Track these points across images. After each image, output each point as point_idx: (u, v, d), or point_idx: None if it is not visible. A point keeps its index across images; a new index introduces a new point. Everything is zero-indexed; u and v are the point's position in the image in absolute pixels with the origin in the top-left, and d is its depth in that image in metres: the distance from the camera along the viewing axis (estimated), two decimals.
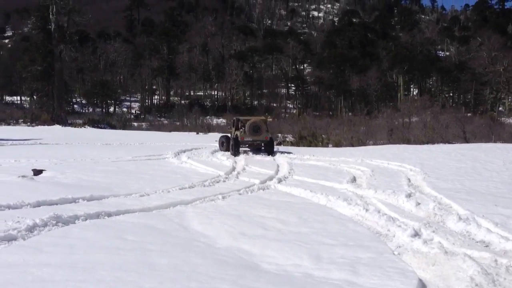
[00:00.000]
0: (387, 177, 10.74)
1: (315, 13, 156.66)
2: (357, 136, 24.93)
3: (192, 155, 16.11)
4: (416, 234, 5.67)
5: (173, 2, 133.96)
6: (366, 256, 4.89)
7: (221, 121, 59.94)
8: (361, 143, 23.71)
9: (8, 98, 77.66)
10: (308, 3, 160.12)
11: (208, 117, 61.95)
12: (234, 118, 19.61)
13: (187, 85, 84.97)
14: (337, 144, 24.16)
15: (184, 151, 17.66)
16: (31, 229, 5.13)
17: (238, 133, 17.68)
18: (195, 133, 40.75)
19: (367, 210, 7.04)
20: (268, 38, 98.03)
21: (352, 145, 23.12)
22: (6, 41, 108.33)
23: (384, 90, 69.28)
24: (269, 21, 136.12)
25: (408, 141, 22.49)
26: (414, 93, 74.47)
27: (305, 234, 5.83)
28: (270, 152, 17.35)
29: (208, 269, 4.20)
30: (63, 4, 44.55)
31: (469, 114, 44.47)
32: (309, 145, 24.56)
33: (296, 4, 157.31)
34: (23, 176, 9.32)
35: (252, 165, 13.43)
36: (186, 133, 40.24)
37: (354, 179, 10.63)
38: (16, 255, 4.16)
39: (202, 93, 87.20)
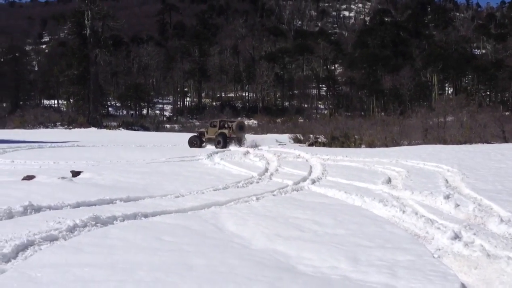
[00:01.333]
0: (424, 178, 10.51)
1: (346, 13, 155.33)
2: (391, 136, 24.50)
3: (225, 156, 16.18)
4: (456, 237, 5.51)
5: (204, 5, 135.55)
6: (405, 258, 4.79)
7: (253, 122, 60.09)
8: (395, 143, 23.31)
9: (46, 102, 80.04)
10: (339, 3, 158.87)
11: (239, 118, 62.22)
12: (218, 120, 24.04)
13: (218, 87, 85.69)
14: (371, 145, 23.83)
15: (217, 153, 17.77)
16: (71, 229, 5.24)
17: (226, 131, 22.14)
18: None
19: (404, 211, 6.90)
20: (298, 39, 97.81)
21: (386, 146, 22.76)
22: (44, 46, 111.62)
23: (418, 89, 68.06)
24: (300, 22, 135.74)
25: (444, 141, 21.98)
26: (449, 92, 72.84)
27: (341, 236, 5.76)
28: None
29: (245, 271, 4.20)
30: (98, 10, 45.60)
31: (507, 113, 43.17)
32: (342, 145, 24.32)
33: (326, 4, 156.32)
34: (63, 178, 9.57)
35: (285, 166, 13.38)
36: None
37: (389, 180, 10.45)
38: (58, 255, 4.25)
39: (233, 95, 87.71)
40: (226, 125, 22.68)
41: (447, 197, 7.72)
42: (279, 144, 24.74)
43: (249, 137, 24.48)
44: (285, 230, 6.02)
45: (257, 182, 10.46)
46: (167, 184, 9.73)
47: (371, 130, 27.25)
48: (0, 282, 3.51)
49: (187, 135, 36.14)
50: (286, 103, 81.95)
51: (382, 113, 56.49)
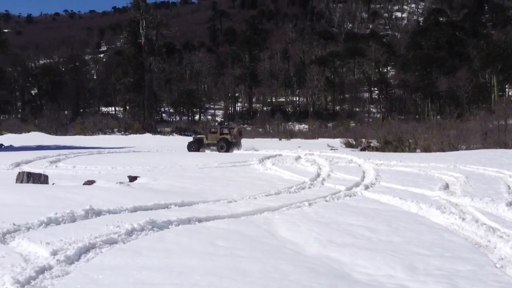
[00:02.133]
0: (484, 184, 10.09)
1: (399, 14, 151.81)
2: (448, 140, 23.70)
3: (276, 162, 16.19)
4: None
5: (254, 11, 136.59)
6: (466, 268, 4.62)
7: (303, 127, 59.88)
8: (452, 147, 22.53)
9: (104, 109, 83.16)
10: (391, 4, 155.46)
11: (290, 123, 62.23)
12: (218, 127, 26.53)
13: (269, 92, 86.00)
14: (426, 149, 23.16)
15: (268, 158, 17.81)
16: (129, 233, 5.41)
17: (228, 137, 24.35)
18: (278, 139, 41.06)
19: (463, 219, 6.66)
20: (349, 42, 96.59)
21: (443, 150, 22.03)
22: (101, 55, 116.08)
23: (476, 91, 65.42)
24: (350, 25, 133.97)
25: (505, 145, 21.02)
26: (510, 94, 69.55)
27: (397, 244, 5.63)
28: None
29: (299, 277, 4.19)
30: (151, 19, 46.98)
31: None
32: (395, 150, 23.77)
33: (378, 6, 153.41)
34: (121, 183, 9.91)
35: (337, 171, 13.23)
36: (269, 139, 40.64)
37: (446, 186, 10.11)
38: (118, 257, 4.41)
39: (283, 99, 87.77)
40: (225, 131, 24.89)
41: (509, 204, 7.38)
42: (331, 149, 24.50)
43: (247, 142, 26.87)
44: (338, 236, 5.96)
45: (309, 188, 10.40)
46: (220, 189, 9.86)
47: (426, 134, 26.48)
48: (65, 283, 3.67)
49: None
50: (337, 107, 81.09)
51: (438, 116, 54.76)
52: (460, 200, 8.31)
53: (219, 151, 23.51)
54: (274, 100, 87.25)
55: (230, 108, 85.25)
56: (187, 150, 24.25)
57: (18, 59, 77.14)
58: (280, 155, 19.60)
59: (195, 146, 24.60)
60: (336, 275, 4.42)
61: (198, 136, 26.68)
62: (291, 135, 46.32)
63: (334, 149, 24.45)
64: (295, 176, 12.29)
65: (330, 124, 61.52)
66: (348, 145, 28.79)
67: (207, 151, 24.07)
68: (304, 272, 4.38)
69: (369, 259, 4.94)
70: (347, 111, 75.35)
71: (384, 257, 5.02)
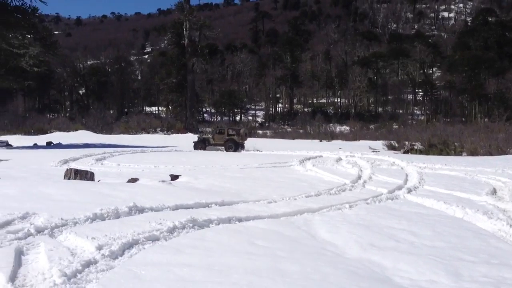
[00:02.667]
0: None
1: (445, 14, 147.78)
2: (496, 144, 22.87)
3: (317, 163, 16.09)
4: None
5: (296, 12, 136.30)
6: None
7: (345, 128, 59.22)
8: (501, 151, 21.73)
9: (147, 109, 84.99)
10: (437, 4, 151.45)
11: (331, 124, 61.66)
12: (226, 128, 28.13)
13: (310, 93, 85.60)
14: (473, 153, 22.44)
15: (309, 159, 17.73)
16: (171, 230, 5.50)
17: (235, 137, 25.99)
18: (318, 140, 40.78)
19: (511, 225, 6.41)
20: (393, 42, 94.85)
21: (490, 154, 21.29)
22: (146, 56, 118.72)
23: None
24: (395, 25, 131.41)
25: None
26: None
27: (441, 249, 5.49)
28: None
29: (339, 279, 4.15)
30: (195, 21, 47.65)
31: None
32: (440, 153, 23.16)
33: (424, 5, 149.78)
34: (163, 181, 10.10)
35: (379, 173, 13.01)
36: (309, 140, 40.43)
37: (494, 191, 9.76)
38: (159, 254, 4.49)
39: (325, 101, 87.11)
40: (231, 133, 26.65)
41: None
42: (372, 151, 24.14)
43: (249, 142, 28.52)
44: (380, 240, 5.86)
45: (350, 190, 10.28)
46: (260, 189, 9.89)
47: (473, 137, 25.67)
48: (109, 277, 3.78)
49: (279, 141, 36.53)
50: (380, 109, 79.74)
51: (486, 119, 52.96)
52: (509, 206, 8.01)
53: (227, 151, 24.78)
54: (315, 101, 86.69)
55: (270, 109, 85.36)
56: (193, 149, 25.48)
57: (68, 60, 79.94)
58: (320, 156, 19.47)
59: (202, 146, 26.09)
60: (377, 279, 4.35)
61: (204, 136, 27.97)
62: (332, 136, 45.89)
63: (376, 151, 24.08)
64: (336, 177, 12.17)
65: (372, 126, 60.55)
66: (391, 148, 28.24)
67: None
68: (344, 274, 4.33)
69: (412, 264, 4.83)
70: (390, 112, 73.98)
71: (427, 262, 4.90)
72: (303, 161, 16.67)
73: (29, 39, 28.77)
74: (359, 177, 12.35)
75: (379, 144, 31.41)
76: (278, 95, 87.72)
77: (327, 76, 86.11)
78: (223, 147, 25.73)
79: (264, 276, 4.02)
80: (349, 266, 4.65)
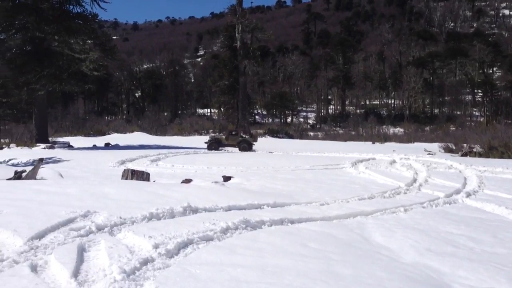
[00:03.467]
0: None
1: (506, 12, 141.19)
2: None
3: (370, 165, 15.81)
4: None
5: (349, 12, 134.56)
6: None
7: (398, 130, 57.83)
8: None
9: (200, 111, 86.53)
10: (498, 1, 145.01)
11: (384, 126, 60.41)
12: (239, 130, 30.96)
13: (363, 94, 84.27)
14: None
15: (361, 161, 17.46)
16: (224, 231, 5.58)
17: (249, 139, 28.18)
18: (371, 142, 40.04)
19: None
20: (451, 41, 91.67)
21: None
22: (199, 59, 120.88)
23: None
24: (452, 24, 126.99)
25: None
26: None
27: (503, 256, 5.26)
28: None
29: (394, 284, 4.06)
30: (247, 23, 48.01)
31: None
32: (501, 156, 22.12)
33: (483, 3, 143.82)
34: (216, 182, 10.26)
35: (435, 177, 12.61)
36: (362, 142, 39.76)
37: None
38: (213, 254, 4.57)
39: (378, 102, 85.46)
40: (245, 134, 28.95)
41: None
42: (428, 154, 23.41)
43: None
44: (437, 245, 5.69)
45: (405, 193, 10.03)
46: (312, 191, 9.84)
47: None
48: (166, 275, 3.88)
49: (330, 143, 36.17)
50: (436, 110, 77.24)
51: None
52: None
53: (241, 151, 26.70)
54: (367, 103, 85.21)
55: (322, 111, 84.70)
56: (207, 150, 26.58)
57: (125, 64, 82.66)
58: (373, 158, 19.12)
59: (215, 146, 27.46)
60: (434, 285, 4.23)
61: (216, 137, 29.34)
62: (385, 138, 44.92)
63: (432, 154, 23.32)
64: (390, 180, 11.92)
65: (427, 128, 58.78)
66: (448, 150, 27.26)
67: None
68: (400, 279, 4.24)
69: (471, 271, 4.66)
70: (447, 114, 71.55)
71: (488, 269, 4.71)
72: (356, 163, 16.44)
73: (89, 44, 30.04)
74: (414, 180, 12.03)
75: (435, 146, 30.42)
76: (329, 97, 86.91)
77: (381, 77, 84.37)
78: (237, 147, 27.59)
79: (317, 279, 4.00)
80: (405, 271, 4.54)
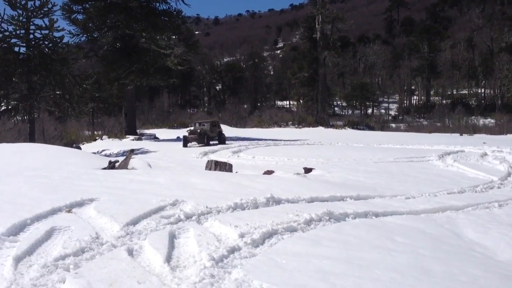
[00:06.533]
0: None
1: None
2: None
3: (458, 158, 15.04)
4: None
5: None
6: None
7: (489, 121, 54.45)
8: None
9: (279, 103, 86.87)
10: None
11: (473, 117, 57.01)
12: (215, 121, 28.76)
13: (449, 84, 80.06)
14: None
15: (449, 154, 16.66)
16: (308, 222, 5.57)
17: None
18: (459, 134, 38.03)
19: None
20: None
21: None
22: (278, 52, 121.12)
23: None
24: None
25: None
26: None
27: None
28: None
29: (490, 283, 3.84)
30: (327, 14, 47.37)
31: None
32: None
33: None
34: (297, 174, 10.27)
35: None
36: (448, 134, 37.89)
37: None
38: (298, 245, 4.58)
39: (466, 92, 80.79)
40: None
41: None
42: None
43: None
44: None
45: (499, 187, 9.44)
46: (396, 184, 9.56)
47: None
48: (253, 264, 3.95)
49: (414, 135, 34.83)
50: None
51: None
52: None
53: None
54: (454, 93, 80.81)
55: (405, 102, 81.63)
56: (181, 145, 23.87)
57: (206, 58, 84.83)
58: (462, 151, 18.18)
59: (205, 140, 23.79)
60: None
61: (200, 129, 25.00)
62: (474, 130, 42.44)
63: None
64: (481, 174, 11.27)
65: None
66: None
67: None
68: (496, 278, 4.00)
69: None
70: None
71: None
72: (443, 156, 15.74)
73: (174, 40, 31.19)
74: (509, 174, 11.28)
75: None
76: (413, 87, 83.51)
77: (470, 65, 79.59)
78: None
79: (407, 274, 3.88)
80: (502, 270, 4.28)
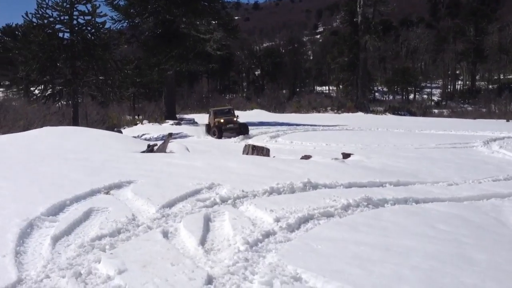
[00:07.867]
0: None
1: None
2: None
3: (505, 145, 14.44)
4: None
5: None
6: None
7: None
8: None
9: (318, 88, 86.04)
10: None
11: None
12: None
13: (496, 68, 76.97)
14: None
15: (495, 140, 16.03)
16: (345, 208, 5.47)
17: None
18: (505, 120, 36.59)
19: None
20: None
21: None
22: (318, 36, 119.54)
23: None
24: None
25: None
26: None
27: None
28: None
29: None
30: None
31: None
32: None
33: None
34: (335, 159, 10.12)
35: None
36: (494, 120, 36.50)
37: None
38: (335, 231, 4.49)
39: None
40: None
41: None
42: None
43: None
44: None
45: None
46: (438, 170, 9.27)
47: None
48: (287, 249, 3.91)
49: (458, 121, 33.76)
50: None
51: None
52: None
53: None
54: (502, 77, 77.67)
55: (448, 87, 79.14)
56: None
57: (246, 43, 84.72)
58: (509, 137, 17.45)
59: (219, 132, 21.28)
60: None
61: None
62: None
63: None
64: None
65: None
66: None
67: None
68: None
69: None
70: None
71: None
72: (488, 142, 15.17)
73: (213, 25, 31.19)
74: None
75: None
76: (457, 72, 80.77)
77: None
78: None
79: (448, 262, 3.73)
80: None
